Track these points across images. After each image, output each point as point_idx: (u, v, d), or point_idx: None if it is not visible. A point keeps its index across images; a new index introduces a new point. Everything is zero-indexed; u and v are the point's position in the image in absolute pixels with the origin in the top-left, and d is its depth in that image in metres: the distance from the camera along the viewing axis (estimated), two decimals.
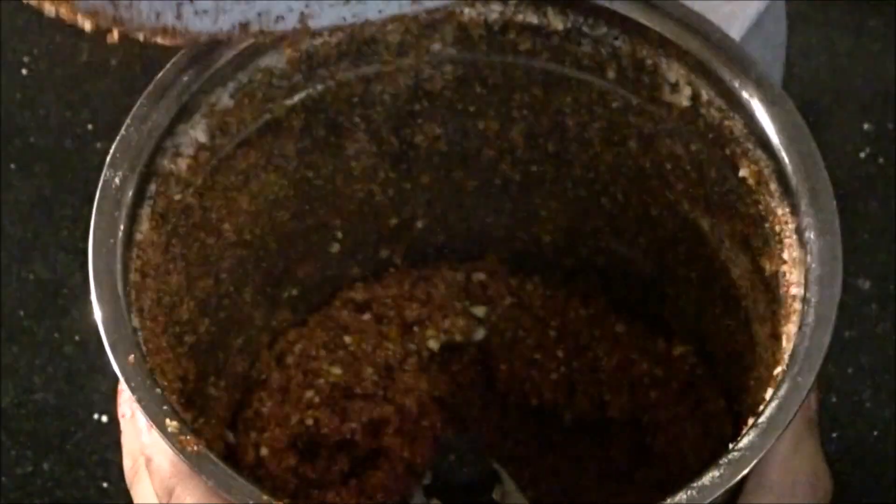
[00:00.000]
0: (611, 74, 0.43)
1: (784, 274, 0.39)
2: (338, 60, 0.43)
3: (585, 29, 0.43)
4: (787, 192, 0.39)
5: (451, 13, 0.43)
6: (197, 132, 0.41)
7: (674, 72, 0.42)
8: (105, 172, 0.39)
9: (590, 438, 0.49)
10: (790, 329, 0.37)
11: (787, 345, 0.37)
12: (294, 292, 0.49)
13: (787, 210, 0.39)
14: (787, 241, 0.39)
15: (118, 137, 0.40)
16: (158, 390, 0.36)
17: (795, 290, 0.38)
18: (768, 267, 0.40)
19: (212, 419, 0.45)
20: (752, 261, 0.42)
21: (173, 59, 0.41)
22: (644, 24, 0.42)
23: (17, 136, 0.65)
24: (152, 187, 0.40)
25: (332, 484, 0.47)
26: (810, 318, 0.36)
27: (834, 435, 0.58)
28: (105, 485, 0.57)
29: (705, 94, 0.41)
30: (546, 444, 0.50)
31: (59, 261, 0.62)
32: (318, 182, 0.47)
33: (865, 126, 0.65)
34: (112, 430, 0.58)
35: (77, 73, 0.67)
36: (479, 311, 0.50)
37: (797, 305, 0.37)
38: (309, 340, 0.49)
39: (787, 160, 0.39)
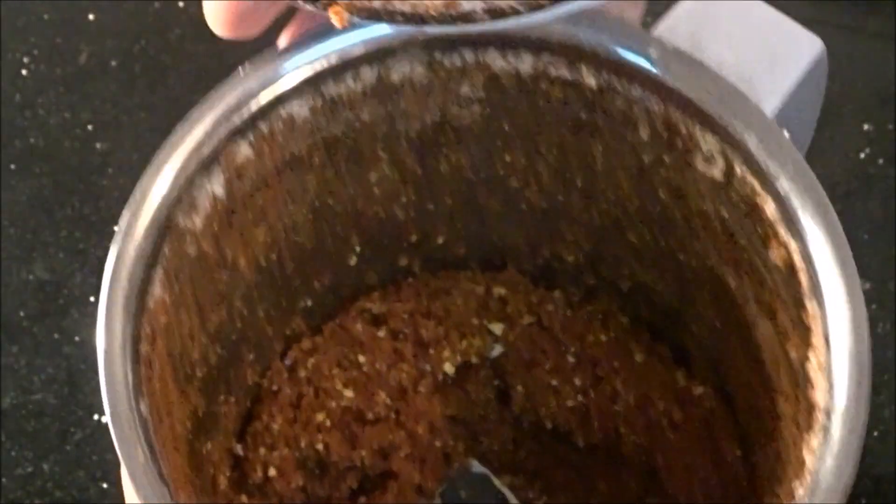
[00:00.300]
0: (643, 133, 0.42)
1: (809, 375, 0.37)
2: (363, 103, 0.42)
3: (619, 88, 0.41)
4: (817, 289, 0.37)
5: (482, 63, 0.42)
6: (214, 186, 0.40)
7: (708, 143, 0.40)
8: (117, 245, 0.38)
9: (603, 458, 0.49)
10: (814, 443, 0.36)
11: (809, 463, 0.36)
12: (309, 303, 0.48)
13: (817, 309, 0.37)
14: (814, 338, 0.37)
15: (130, 200, 0.38)
16: (165, 489, 0.35)
17: (821, 400, 0.36)
18: (794, 355, 0.39)
19: (220, 435, 0.44)
20: (779, 338, 0.40)
21: (188, 114, 0.40)
22: (681, 92, 0.40)
23: (16, 136, 0.65)
24: (166, 248, 0.39)
25: (340, 502, 0.46)
26: (835, 443, 0.35)
27: None
28: (105, 485, 0.57)
29: (739, 171, 0.40)
30: (558, 460, 0.49)
31: (58, 261, 0.62)
32: (339, 207, 0.45)
33: (865, 126, 0.65)
34: None
35: (77, 73, 0.67)
36: (497, 328, 0.49)
37: (821, 418, 0.36)
38: (323, 355, 0.48)
39: (818, 255, 0.38)
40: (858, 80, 0.66)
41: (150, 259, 0.38)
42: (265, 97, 0.40)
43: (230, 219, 0.41)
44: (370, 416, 0.47)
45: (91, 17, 0.68)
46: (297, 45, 0.40)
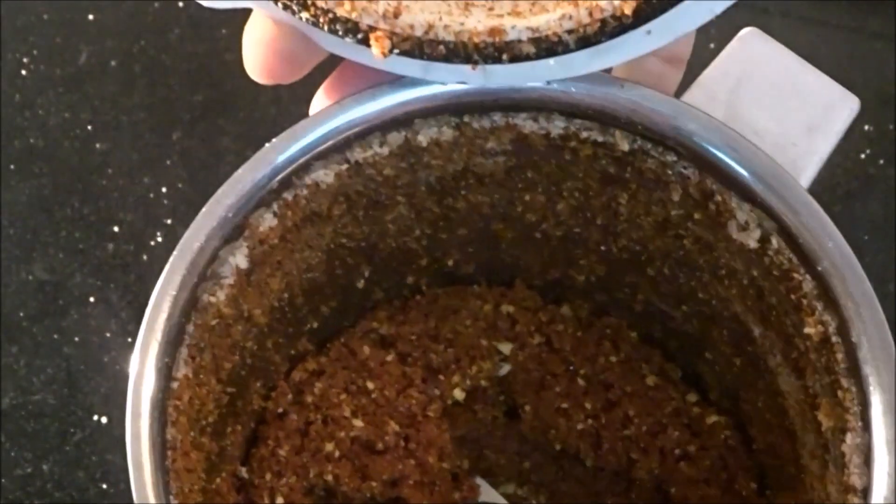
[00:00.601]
0: (675, 195, 0.41)
1: (844, 453, 0.37)
2: (387, 163, 0.42)
3: (653, 153, 0.40)
4: (855, 371, 0.37)
5: (511, 125, 0.41)
6: (238, 258, 0.40)
7: (744, 213, 0.39)
8: (141, 337, 0.37)
9: (611, 476, 0.48)
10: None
11: None
12: (315, 325, 0.48)
13: (854, 389, 0.37)
14: (850, 418, 0.37)
15: (160, 281, 0.38)
16: None
17: (856, 481, 0.36)
18: (826, 424, 0.38)
19: (227, 463, 0.44)
20: (807, 399, 0.40)
21: (216, 194, 0.39)
22: (717, 165, 0.39)
23: (16, 136, 0.65)
24: (190, 327, 0.39)
25: None
26: None
27: None
28: (104, 486, 0.57)
29: (775, 243, 0.39)
30: (565, 474, 0.49)
31: (58, 261, 0.62)
32: (352, 244, 0.45)
33: (866, 127, 0.65)
34: (111, 432, 0.58)
35: (77, 74, 0.67)
36: (506, 347, 0.49)
37: (855, 481, 0.36)
38: (330, 379, 0.48)
39: (858, 339, 0.37)
40: (858, 80, 0.66)
41: (175, 343, 0.38)
42: (292, 170, 0.40)
43: (249, 279, 0.41)
44: (380, 446, 0.47)
45: (91, 17, 0.68)
46: (326, 115, 0.40)
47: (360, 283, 0.48)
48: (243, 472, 0.46)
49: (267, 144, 0.40)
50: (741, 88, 0.42)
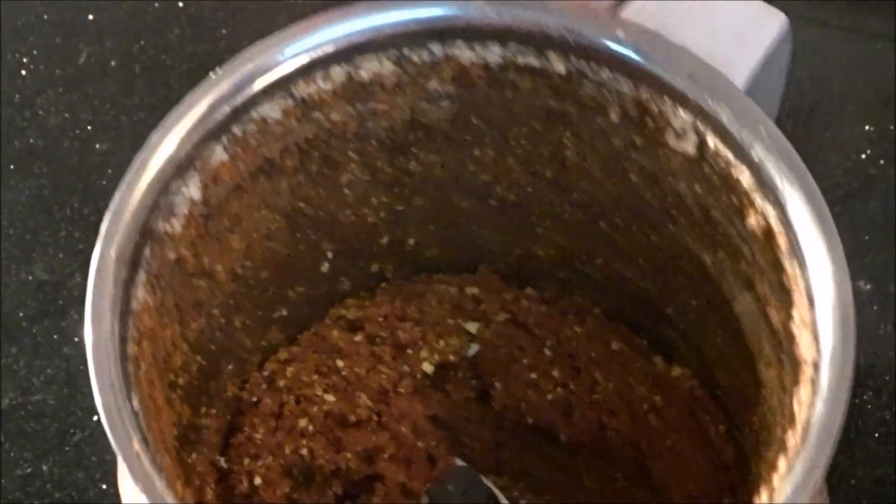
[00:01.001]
0: (613, 116, 0.42)
1: (792, 332, 0.38)
2: (333, 104, 0.43)
3: (588, 72, 0.41)
4: (796, 248, 0.38)
5: (450, 56, 0.42)
6: (191, 190, 0.41)
7: (679, 119, 0.41)
8: (99, 247, 0.38)
9: (587, 455, 0.49)
10: (802, 395, 0.36)
11: (799, 412, 0.36)
12: (284, 312, 0.49)
13: (797, 269, 0.37)
14: (796, 298, 0.37)
15: (111, 206, 0.39)
16: (163, 482, 0.36)
17: (806, 353, 0.36)
18: (775, 318, 0.39)
19: (204, 448, 0.45)
20: (758, 305, 0.41)
21: (163, 121, 0.40)
22: (649, 71, 0.40)
23: (16, 136, 0.65)
24: (147, 251, 0.39)
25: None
26: (823, 390, 0.35)
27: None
28: (104, 486, 0.57)
29: (712, 144, 0.40)
30: (542, 458, 0.49)
31: (58, 262, 0.62)
32: (310, 211, 0.46)
33: (867, 127, 0.65)
34: None
35: (76, 73, 0.67)
36: (472, 326, 0.50)
37: (808, 371, 0.36)
38: (301, 363, 0.49)
39: (796, 216, 0.38)
40: (859, 80, 0.66)
41: (133, 262, 0.39)
42: (237, 100, 0.41)
43: (207, 225, 0.42)
44: (352, 418, 0.48)
45: (90, 17, 0.68)
46: (267, 47, 0.41)
47: (325, 268, 0.49)
48: (223, 462, 0.46)
49: (211, 73, 0.41)
50: (670, 12, 0.43)
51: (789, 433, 0.36)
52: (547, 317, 0.50)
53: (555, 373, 0.49)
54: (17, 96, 0.66)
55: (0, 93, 0.66)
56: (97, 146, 0.65)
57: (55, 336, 0.61)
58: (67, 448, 0.58)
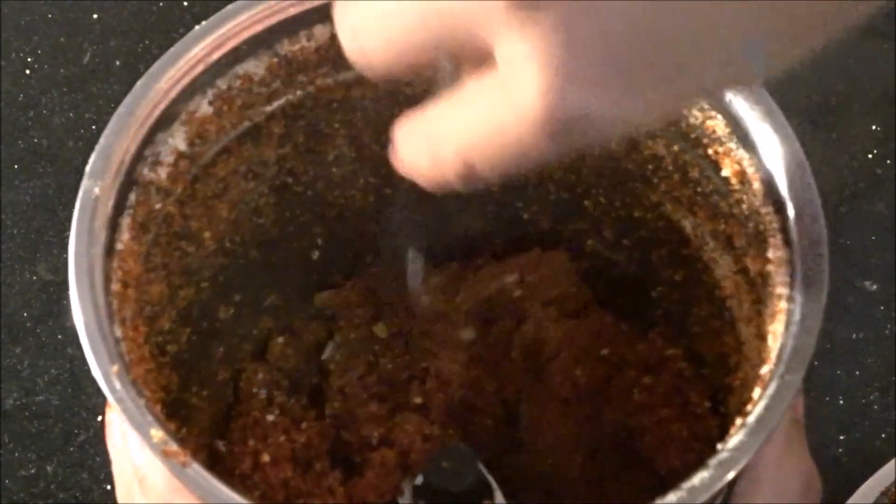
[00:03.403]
0: None
1: (769, 274, 0.38)
2: (317, 66, 0.43)
3: None
4: (771, 191, 0.39)
5: None
6: (176, 140, 0.41)
7: None
8: (84, 183, 0.39)
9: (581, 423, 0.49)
10: (776, 328, 0.37)
11: (773, 344, 0.37)
12: (275, 300, 0.49)
13: (771, 209, 0.39)
14: (771, 240, 0.39)
15: (97, 147, 0.39)
16: (142, 401, 0.36)
17: (781, 290, 0.37)
18: (753, 267, 0.40)
19: (195, 428, 0.45)
20: (737, 261, 0.42)
21: (150, 69, 0.41)
22: None
23: (20, 136, 0.65)
24: (132, 197, 0.40)
25: (320, 492, 0.47)
26: (797, 317, 0.36)
27: (841, 437, 0.58)
28: (108, 487, 0.57)
29: None
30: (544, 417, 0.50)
31: (62, 262, 0.62)
32: (298, 188, 0.46)
33: (873, 127, 0.65)
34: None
35: (80, 73, 0.67)
36: (465, 307, 0.50)
37: (783, 304, 0.37)
38: (297, 341, 0.50)
39: (770, 159, 0.39)
40: (865, 80, 0.66)
41: (117, 204, 0.39)
42: (221, 53, 0.41)
43: (194, 187, 0.42)
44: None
45: (95, 16, 0.68)
46: (251, 3, 0.41)
47: (315, 255, 0.49)
48: (220, 445, 0.47)
49: (196, 26, 0.41)
50: None
51: (765, 367, 0.37)
52: (534, 297, 0.50)
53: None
54: (22, 96, 0.66)
55: (4, 92, 0.66)
56: None
57: (59, 336, 0.61)
58: (72, 448, 0.58)
